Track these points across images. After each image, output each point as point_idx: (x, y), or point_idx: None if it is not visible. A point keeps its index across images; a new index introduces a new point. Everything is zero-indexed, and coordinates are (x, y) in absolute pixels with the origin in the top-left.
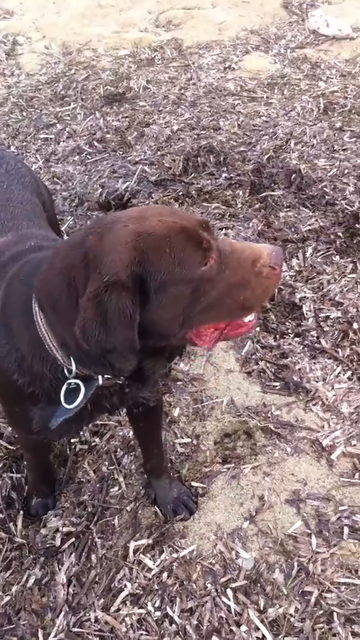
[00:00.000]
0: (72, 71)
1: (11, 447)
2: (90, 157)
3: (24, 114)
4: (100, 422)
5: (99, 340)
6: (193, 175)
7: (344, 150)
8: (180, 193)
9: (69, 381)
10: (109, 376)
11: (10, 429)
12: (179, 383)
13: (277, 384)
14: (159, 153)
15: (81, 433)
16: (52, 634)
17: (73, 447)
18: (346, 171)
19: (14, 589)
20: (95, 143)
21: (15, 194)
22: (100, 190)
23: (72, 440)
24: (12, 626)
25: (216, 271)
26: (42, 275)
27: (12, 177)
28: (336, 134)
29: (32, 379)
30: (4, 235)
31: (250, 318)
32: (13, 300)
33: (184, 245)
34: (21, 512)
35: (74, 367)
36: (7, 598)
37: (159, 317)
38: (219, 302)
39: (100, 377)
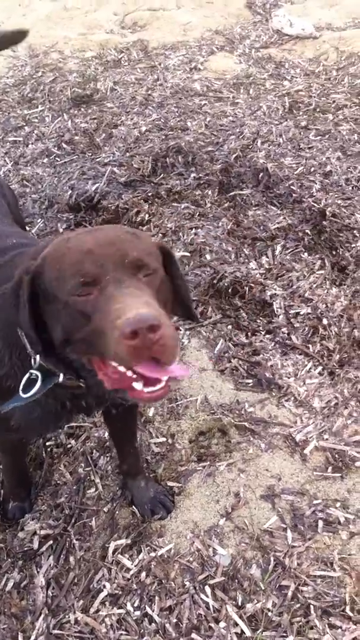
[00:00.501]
0: (39, 74)
1: None
2: (59, 159)
3: None
4: (76, 424)
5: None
6: (162, 175)
7: (309, 148)
8: (149, 194)
9: (30, 371)
10: (69, 376)
11: None
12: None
13: (250, 381)
14: (127, 154)
15: (56, 435)
16: (32, 637)
17: (49, 449)
18: (312, 169)
19: None
20: (64, 145)
21: None
22: (70, 192)
23: (48, 443)
24: None
25: (90, 308)
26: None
27: None
28: (302, 133)
29: (7, 370)
30: None
31: (138, 387)
32: None
33: (68, 271)
34: None
35: (38, 358)
36: None
37: (48, 320)
38: (93, 339)
39: (61, 375)
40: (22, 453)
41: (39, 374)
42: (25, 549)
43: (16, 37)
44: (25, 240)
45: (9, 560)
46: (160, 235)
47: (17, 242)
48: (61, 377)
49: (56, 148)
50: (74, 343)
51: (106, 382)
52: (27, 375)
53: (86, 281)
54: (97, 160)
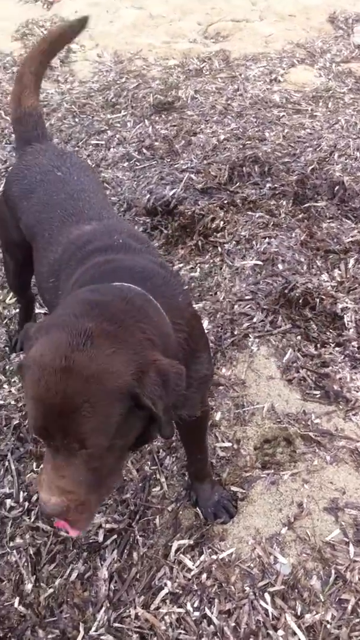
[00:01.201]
0: (123, 79)
1: None
2: (138, 164)
3: (77, 120)
4: None
5: None
6: (238, 184)
7: None
8: (225, 201)
9: None
10: None
11: None
12: (221, 388)
13: (318, 392)
14: (205, 162)
15: None
16: (93, 628)
17: None
18: None
19: (57, 582)
20: (144, 150)
21: (87, 185)
22: (148, 196)
23: None
24: (54, 619)
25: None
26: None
27: (79, 170)
28: None
29: None
30: (87, 223)
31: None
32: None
33: (29, 414)
34: None
35: None
36: (50, 590)
37: None
38: None
39: None
40: None
41: None
42: (91, 541)
43: (81, 23)
44: (131, 243)
45: (74, 550)
46: (234, 242)
47: (123, 243)
48: None
49: (136, 153)
50: None
51: None
52: None
53: (35, 433)
54: (176, 166)
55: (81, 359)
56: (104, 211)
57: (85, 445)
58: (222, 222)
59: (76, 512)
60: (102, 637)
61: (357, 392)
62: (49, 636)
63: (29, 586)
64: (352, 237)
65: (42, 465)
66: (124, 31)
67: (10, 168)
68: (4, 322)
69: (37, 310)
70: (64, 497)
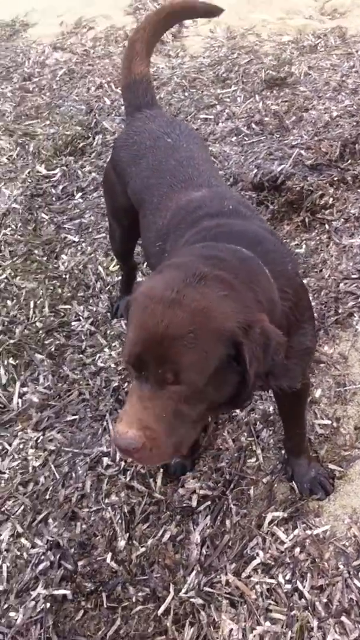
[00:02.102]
0: (235, 55)
1: None
2: (247, 139)
3: (186, 94)
4: None
5: None
6: (350, 161)
7: None
8: (335, 178)
9: None
10: None
11: None
12: (322, 365)
13: None
14: (316, 138)
15: None
16: (184, 590)
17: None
18: None
19: (149, 541)
20: (253, 125)
21: (196, 153)
22: (255, 171)
23: None
24: (145, 577)
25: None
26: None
27: (188, 137)
28: None
29: None
30: (197, 190)
31: None
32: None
33: (127, 341)
34: (161, 470)
35: None
36: (142, 549)
37: None
38: None
39: None
40: None
41: None
42: (184, 505)
43: (213, 11)
44: (241, 209)
45: (168, 513)
46: (342, 220)
47: (233, 209)
48: None
49: (245, 128)
50: None
51: None
52: None
53: (129, 360)
54: (285, 142)
55: (192, 293)
56: (213, 179)
57: (179, 377)
58: (331, 199)
59: (148, 451)
60: (192, 600)
61: None
62: (139, 594)
63: (122, 543)
64: None
65: (126, 398)
66: (237, 6)
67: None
68: (107, 288)
69: (138, 279)
70: (142, 432)
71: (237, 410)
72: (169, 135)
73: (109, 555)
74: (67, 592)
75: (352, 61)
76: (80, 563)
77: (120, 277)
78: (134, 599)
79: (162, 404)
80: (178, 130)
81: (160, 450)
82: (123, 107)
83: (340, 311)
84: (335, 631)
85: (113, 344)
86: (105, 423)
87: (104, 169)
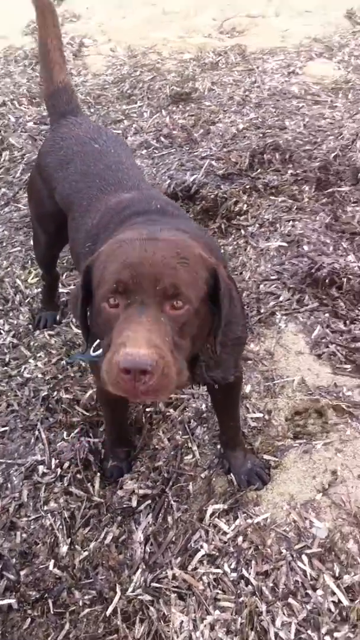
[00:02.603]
0: (138, 72)
1: (87, 414)
2: (157, 152)
3: (92, 110)
4: (174, 395)
5: (73, 313)
6: (259, 170)
7: None
8: (247, 186)
9: None
10: None
11: (87, 394)
12: (250, 362)
13: (349, 366)
14: (225, 149)
15: (157, 402)
16: (130, 589)
17: (148, 415)
18: None
19: (92, 545)
20: (162, 139)
21: (124, 158)
22: (168, 181)
23: (147, 410)
24: (90, 580)
25: (112, 320)
26: None
27: (116, 143)
28: None
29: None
30: (127, 192)
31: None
32: None
33: (107, 276)
34: (98, 474)
35: None
36: (85, 553)
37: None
38: (107, 344)
39: None
40: (121, 408)
41: None
42: (124, 506)
43: None
44: (169, 208)
45: (109, 515)
46: (257, 225)
47: (161, 208)
48: None
49: (155, 141)
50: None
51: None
52: (98, 341)
53: (117, 290)
54: (195, 154)
55: (165, 232)
56: (142, 183)
57: (179, 291)
58: (245, 206)
59: (161, 374)
60: (139, 597)
61: None
62: (86, 597)
63: (64, 549)
64: None
65: (120, 331)
66: (137, 26)
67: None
68: (27, 300)
69: (60, 290)
70: (153, 350)
71: (171, 410)
72: (96, 141)
73: (52, 562)
74: (12, 601)
75: (254, 77)
76: (22, 572)
77: (41, 289)
78: (80, 603)
79: (163, 328)
80: (105, 136)
81: (170, 373)
82: (30, 123)
83: (262, 311)
84: (284, 613)
85: (38, 355)
86: (37, 432)
87: (29, 176)
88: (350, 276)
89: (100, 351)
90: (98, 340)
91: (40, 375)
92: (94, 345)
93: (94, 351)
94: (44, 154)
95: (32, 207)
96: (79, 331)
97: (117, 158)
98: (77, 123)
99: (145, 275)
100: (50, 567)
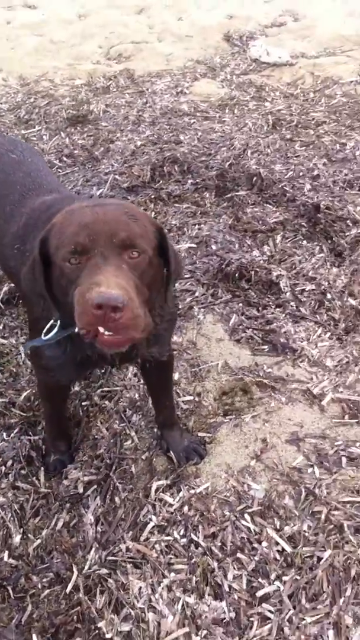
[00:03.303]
0: (32, 99)
1: (24, 414)
2: (61, 170)
3: None
4: (107, 388)
5: (30, 287)
6: (161, 182)
7: (296, 156)
8: (152, 196)
9: (54, 319)
10: None
11: (22, 396)
12: (175, 352)
13: (266, 346)
14: (126, 165)
15: (90, 395)
16: (87, 567)
17: (84, 409)
18: (301, 173)
19: (44, 532)
20: (65, 158)
21: (40, 166)
22: None
23: (83, 403)
24: (46, 565)
25: (76, 274)
26: None
27: (31, 153)
28: (287, 144)
29: (40, 315)
30: (48, 195)
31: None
32: None
33: (65, 238)
34: (42, 468)
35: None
36: (38, 541)
37: (56, 286)
38: (74, 300)
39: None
40: (60, 401)
41: (57, 322)
42: (72, 493)
43: None
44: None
45: (57, 503)
46: (166, 230)
47: (58, 197)
48: (76, 328)
49: (57, 161)
50: (65, 302)
51: (81, 329)
52: (50, 322)
53: (77, 250)
54: (98, 170)
55: (117, 202)
56: (61, 187)
57: (135, 242)
58: (153, 213)
59: (131, 312)
60: (97, 572)
61: (302, 342)
62: (44, 580)
63: (17, 539)
64: (275, 218)
65: (89, 276)
66: (26, 56)
67: None
68: None
69: None
70: (123, 290)
71: (106, 402)
72: (13, 151)
73: (6, 553)
74: None
75: (145, 98)
76: None
77: None
78: (39, 586)
79: (126, 274)
80: (20, 147)
81: (138, 312)
82: None
83: (181, 306)
84: (234, 567)
85: None
86: None
87: None
88: (257, 269)
89: (52, 333)
90: (50, 324)
91: None
92: (45, 329)
93: (44, 335)
94: None
95: None
96: (5, 341)
97: (35, 166)
98: None
99: (101, 233)
100: (5, 558)
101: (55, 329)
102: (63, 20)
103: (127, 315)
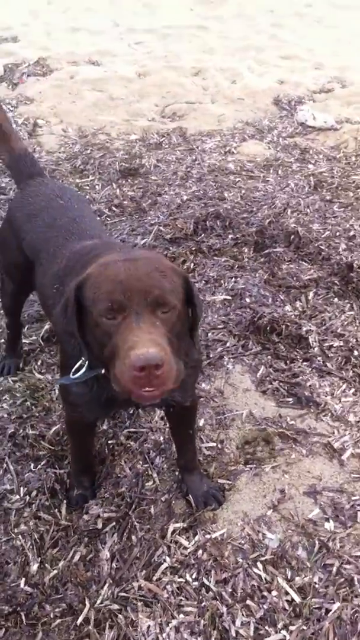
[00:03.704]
0: (89, 150)
1: (53, 448)
2: (110, 219)
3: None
4: (134, 429)
5: (62, 326)
6: (203, 235)
7: (334, 217)
8: (193, 248)
9: (82, 358)
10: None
11: (52, 430)
12: (202, 399)
13: (290, 399)
14: (171, 217)
15: (117, 434)
16: (99, 601)
17: (110, 447)
18: (337, 233)
19: (60, 563)
20: (114, 208)
21: (85, 212)
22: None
23: (109, 442)
24: (60, 595)
25: (113, 330)
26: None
27: (78, 200)
28: (327, 205)
29: (72, 353)
30: (89, 240)
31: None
32: None
33: (102, 294)
34: (64, 501)
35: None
36: (55, 572)
37: (89, 333)
38: (112, 354)
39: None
40: (86, 437)
41: (85, 363)
42: (90, 528)
43: None
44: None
45: (76, 536)
46: (204, 282)
47: (98, 243)
48: (103, 370)
49: (107, 210)
50: (95, 346)
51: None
52: (79, 362)
53: (113, 307)
54: (144, 221)
55: (147, 255)
56: (103, 234)
57: (166, 299)
58: (192, 264)
59: (168, 366)
60: (108, 606)
61: (326, 396)
62: (56, 610)
63: (34, 567)
64: (309, 275)
65: (124, 339)
66: (86, 110)
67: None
68: None
69: (23, 340)
70: (159, 347)
71: (131, 442)
72: (61, 197)
73: (23, 580)
74: None
75: (194, 155)
76: None
77: (5, 338)
78: (52, 615)
79: (159, 330)
80: (69, 194)
81: (172, 364)
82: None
83: (211, 355)
84: (243, 614)
85: (3, 398)
86: (5, 465)
87: None
88: (288, 323)
89: (80, 373)
90: (79, 364)
91: (6, 415)
92: (74, 368)
93: (73, 374)
94: (13, 209)
95: (1, 258)
96: (41, 376)
97: (80, 212)
98: (44, 183)
99: (135, 291)
100: (22, 585)
101: (83, 369)
102: (123, 78)
103: (164, 370)
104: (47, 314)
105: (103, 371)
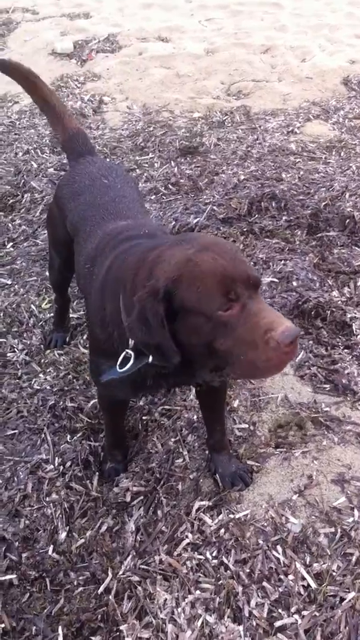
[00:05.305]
0: (151, 128)
1: (90, 421)
2: (165, 197)
3: (108, 160)
4: (168, 406)
5: (142, 338)
6: (256, 216)
7: None
8: (244, 229)
9: (126, 350)
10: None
11: (90, 403)
12: (239, 380)
13: (327, 385)
14: (226, 197)
15: (151, 411)
16: (121, 572)
17: (144, 423)
18: None
19: (88, 533)
20: (170, 186)
21: (127, 193)
22: (173, 223)
23: (143, 418)
24: (85, 564)
25: (234, 322)
26: (126, 262)
27: (123, 180)
28: None
29: (106, 337)
30: (124, 220)
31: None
32: (112, 271)
33: (213, 287)
34: (96, 473)
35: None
36: (82, 541)
37: (185, 338)
38: (235, 350)
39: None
40: (118, 414)
41: (132, 353)
42: (119, 500)
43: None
44: (157, 233)
45: (104, 507)
46: (252, 263)
47: (149, 232)
48: (150, 358)
49: (163, 188)
50: (210, 349)
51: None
52: (123, 354)
53: (230, 298)
54: (199, 200)
55: (215, 240)
56: (140, 215)
57: (260, 279)
58: (241, 245)
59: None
60: (129, 578)
61: None
62: (80, 577)
63: (62, 535)
64: None
65: (256, 322)
66: (152, 87)
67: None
68: (40, 323)
69: (70, 314)
70: (287, 319)
71: (165, 419)
72: (106, 177)
73: (51, 547)
74: (13, 577)
75: (256, 135)
76: (24, 555)
77: (53, 313)
78: (75, 583)
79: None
80: (115, 173)
81: None
82: (50, 169)
83: None
84: (258, 595)
85: (47, 370)
86: (43, 435)
87: (48, 206)
88: (333, 309)
89: (128, 366)
90: (123, 355)
91: (48, 387)
92: (119, 360)
93: (119, 367)
94: (61, 186)
95: (49, 233)
96: (86, 350)
97: (122, 192)
98: (93, 162)
99: (240, 278)
100: (50, 552)
101: (132, 361)
102: (191, 55)
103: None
104: (81, 291)
105: (151, 359)
